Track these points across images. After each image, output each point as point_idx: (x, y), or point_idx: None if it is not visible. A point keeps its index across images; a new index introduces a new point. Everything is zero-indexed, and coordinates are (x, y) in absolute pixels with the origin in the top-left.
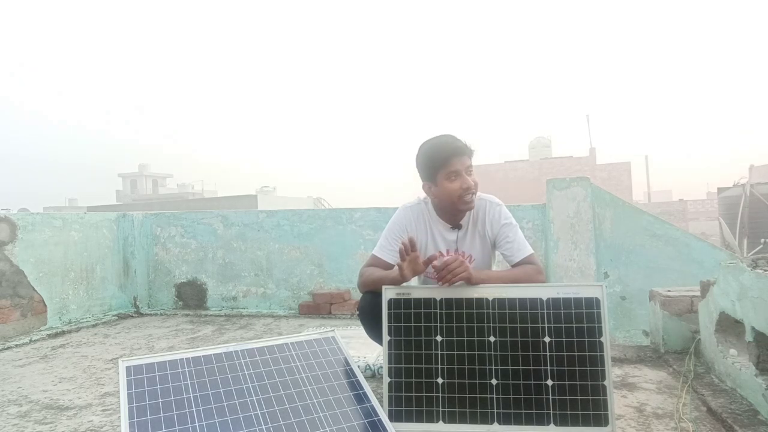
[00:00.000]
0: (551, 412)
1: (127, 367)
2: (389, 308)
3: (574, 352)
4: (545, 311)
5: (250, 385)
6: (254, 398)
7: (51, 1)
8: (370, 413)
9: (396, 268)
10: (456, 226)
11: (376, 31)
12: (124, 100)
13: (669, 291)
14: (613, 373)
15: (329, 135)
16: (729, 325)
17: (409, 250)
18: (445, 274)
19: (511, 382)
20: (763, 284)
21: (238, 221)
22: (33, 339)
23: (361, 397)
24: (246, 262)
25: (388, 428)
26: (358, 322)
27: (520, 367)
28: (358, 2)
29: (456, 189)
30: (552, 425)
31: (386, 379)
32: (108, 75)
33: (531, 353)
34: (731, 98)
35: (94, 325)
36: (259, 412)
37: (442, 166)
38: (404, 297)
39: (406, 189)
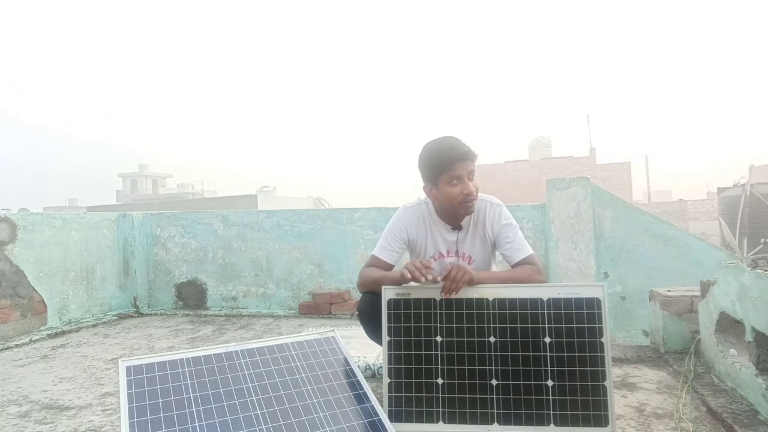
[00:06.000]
0: (551, 412)
1: (127, 367)
2: (389, 308)
3: (574, 352)
4: (545, 311)
5: (250, 385)
6: (254, 398)
7: (52, 3)
8: (370, 413)
9: (394, 269)
10: (456, 227)
11: (377, 32)
12: (124, 99)
13: (669, 291)
14: (613, 373)
15: (330, 135)
16: (729, 325)
17: (428, 277)
18: (449, 285)
19: (511, 382)
20: (763, 284)
21: (238, 221)
22: (33, 339)
23: (361, 397)
24: (246, 262)
25: (388, 428)
26: (358, 322)
27: (521, 368)
28: (359, 3)
29: (457, 194)
30: (552, 425)
31: (386, 380)
32: (109, 75)
33: (531, 354)
34: (732, 98)
35: (94, 325)
36: (259, 412)
37: (445, 170)
38: (404, 297)
39: (406, 189)
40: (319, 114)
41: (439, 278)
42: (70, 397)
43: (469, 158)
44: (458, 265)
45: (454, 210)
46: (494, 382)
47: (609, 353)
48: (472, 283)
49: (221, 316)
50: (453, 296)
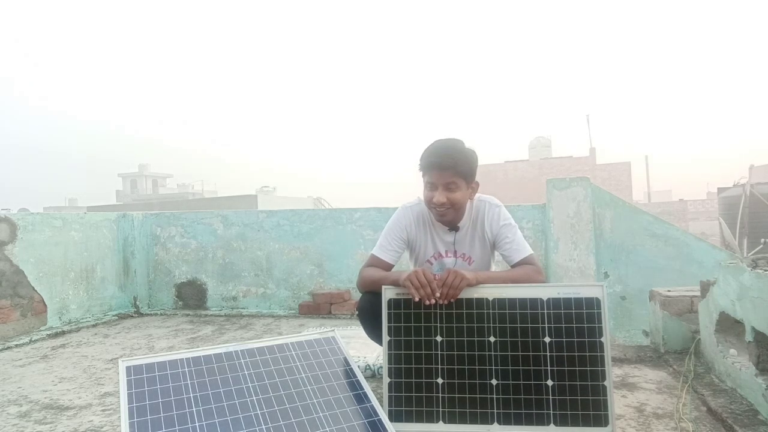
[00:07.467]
0: (551, 412)
1: (127, 367)
2: (389, 308)
3: (574, 352)
4: (545, 311)
5: (250, 385)
6: (254, 398)
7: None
8: (370, 413)
9: (395, 269)
10: (453, 228)
11: (378, 31)
12: (124, 100)
13: (669, 291)
14: (613, 373)
15: (330, 135)
16: (729, 325)
17: (435, 290)
18: (446, 291)
19: (511, 382)
20: (763, 284)
21: (238, 221)
22: (33, 339)
23: (361, 397)
24: (246, 262)
25: (388, 428)
26: (358, 322)
27: (520, 368)
28: (360, 3)
29: (427, 198)
30: (552, 425)
31: (386, 379)
32: (109, 74)
33: (531, 353)
34: (732, 98)
35: (94, 325)
36: (259, 412)
37: (424, 172)
38: (404, 297)
39: (406, 190)
40: (320, 114)
41: (437, 294)
42: (70, 397)
43: (447, 170)
44: (455, 270)
45: (429, 210)
46: (494, 381)
47: (609, 353)
48: (471, 284)
49: (221, 316)
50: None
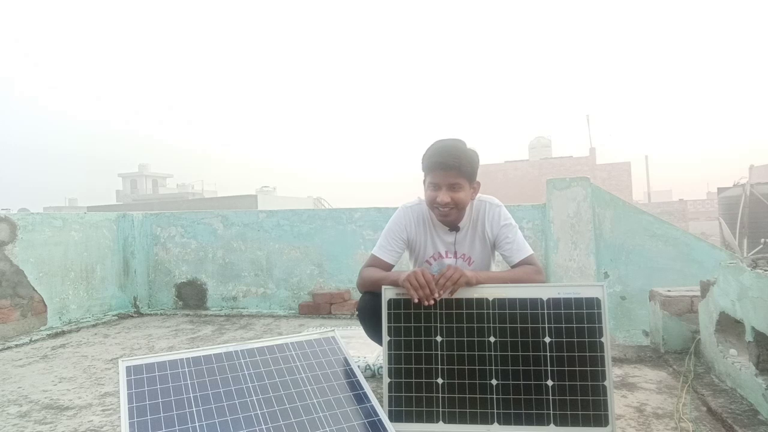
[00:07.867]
0: (551, 412)
1: (127, 367)
2: (389, 308)
3: (574, 352)
4: (545, 311)
5: (250, 385)
6: (254, 398)
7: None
8: (370, 413)
9: (395, 269)
10: (453, 228)
11: (378, 32)
12: (124, 100)
13: (669, 291)
14: (613, 373)
15: (330, 135)
16: (729, 325)
17: (434, 290)
18: (444, 282)
19: (511, 382)
20: (763, 284)
21: (238, 221)
22: (33, 339)
23: (361, 397)
24: (246, 262)
25: (388, 428)
26: (358, 322)
27: (520, 368)
28: (360, 3)
29: (431, 198)
30: (552, 425)
31: (386, 380)
32: (110, 75)
33: (531, 353)
34: (732, 98)
35: (94, 325)
36: (259, 412)
37: (427, 172)
38: (404, 297)
39: (406, 190)
40: (320, 114)
41: (436, 294)
42: (70, 397)
43: (452, 170)
44: (456, 266)
45: (430, 210)
46: (494, 382)
47: (609, 353)
48: (471, 284)
49: (221, 316)
50: (446, 296)
